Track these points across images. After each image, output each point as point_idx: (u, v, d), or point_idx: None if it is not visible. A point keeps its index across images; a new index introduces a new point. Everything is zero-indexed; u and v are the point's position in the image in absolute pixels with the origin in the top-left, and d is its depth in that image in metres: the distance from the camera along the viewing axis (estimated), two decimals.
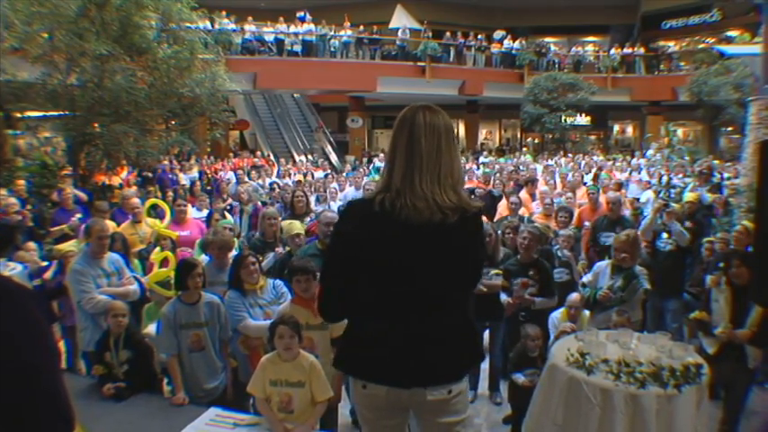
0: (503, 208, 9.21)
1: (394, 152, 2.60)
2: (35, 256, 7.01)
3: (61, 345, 6.73)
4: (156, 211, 8.09)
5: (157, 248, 6.87)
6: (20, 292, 1.42)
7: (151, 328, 5.56)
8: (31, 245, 7.30)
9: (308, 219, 7.86)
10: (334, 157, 25.24)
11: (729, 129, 24.18)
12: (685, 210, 8.20)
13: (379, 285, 2.61)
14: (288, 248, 6.50)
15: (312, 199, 10.96)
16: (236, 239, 7.39)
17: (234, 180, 15.17)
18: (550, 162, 19.45)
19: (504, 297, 6.09)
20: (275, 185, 12.01)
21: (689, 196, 8.54)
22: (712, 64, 22.80)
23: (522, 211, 9.12)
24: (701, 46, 27.89)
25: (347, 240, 2.63)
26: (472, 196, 10.62)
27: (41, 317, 1.42)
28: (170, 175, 15.29)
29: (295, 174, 16.70)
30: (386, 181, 2.58)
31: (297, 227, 6.44)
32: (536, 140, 30.69)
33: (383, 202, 2.50)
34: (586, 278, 5.81)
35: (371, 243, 2.55)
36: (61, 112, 12.14)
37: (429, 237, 2.52)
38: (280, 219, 7.30)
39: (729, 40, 24.98)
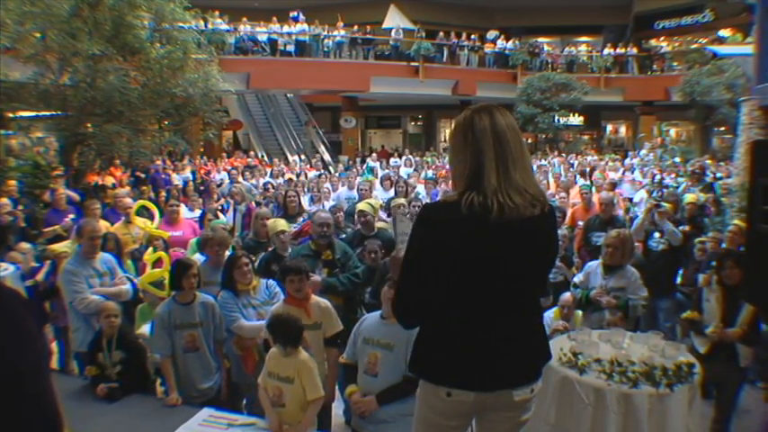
0: None
1: (478, 153, 2.49)
2: (30, 257, 6.99)
3: (54, 345, 6.72)
4: (148, 212, 8.07)
5: (150, 249, 6.86)
6: (7, 295, 1.41)
7: (145, 329, 5.55)
8: (26, 245, 7.28)
9: (301, 219, 7.86)
10: (327, 157, 25.22)
11: (722, 129, 24.25)
12: (685, 212, 8.21)
13: (467, 288, 2.54)
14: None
15: (305, 199, 10.95)
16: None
17: (227, 180, 15.15)
18: (543, 162, 19.46)
19: None
20: (269, 185, 11.97)
21: (688, 197, 8.54)
22: (705, 64, 22.87)
23: None
24: (694, 46, 28.00)
25: (429, 245, 2.52)
26: None
27: (30, 320, 1.42)
28: (163, 176, 15.25)
29: (287, 173, 16.66)
30: (470, 180, 2.48)
31: (281, 224, 6.43)
32: (529, 140, 30.71)
33: (472, 203, 2.41)
34: (578, 278, 5.80)
35: (462, 245, 2.47)
36: (53, 112, 12.13)
37: (523, 232, 2.47)
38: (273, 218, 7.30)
39: (722, 41, 25.08)
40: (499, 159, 2.46)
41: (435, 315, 2.63)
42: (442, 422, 2.68)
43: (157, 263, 6.31)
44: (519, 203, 2.41)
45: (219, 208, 10.04)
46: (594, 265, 5.66)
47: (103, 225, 6.97)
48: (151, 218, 7.93)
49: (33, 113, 12.45)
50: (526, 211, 2.43)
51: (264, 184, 12.38)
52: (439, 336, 2.64)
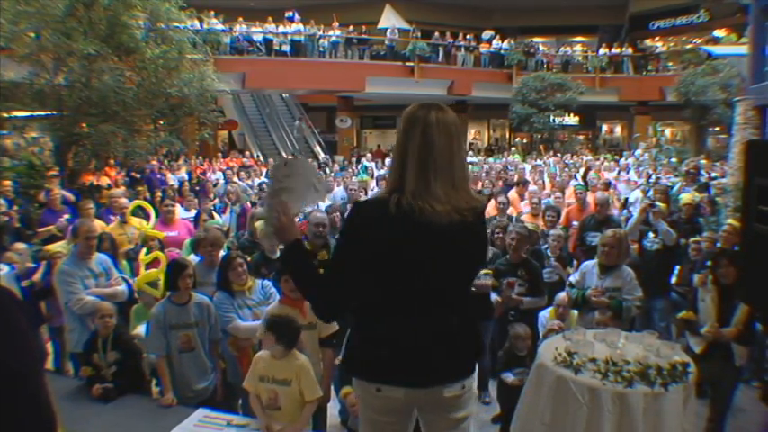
0: (491, 207, 9.22)
1: (405, 152, 2.54)
2: (26, 257, 6.97)
3: (49, 346, 6.71)
4: (144, 212, 8.06)
5: (144, 250, 6.84)
6: (1, 296, 1.41)
7: (141, 330, 5.54)
8: (21, 246, 7.26)
9: (297, 219, 7.84)
10: (322, 157, 25.19)
11: (717, 129, 24.30)
12: (682, 214, 8.21)
13: (394, 285, 2.58)
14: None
15: None
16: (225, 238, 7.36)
17: (222, 180, 15.12)
18: (539, 162, 19.48)
19: (493, 296, 6.09)
20: (264, 185, 11.95)
21: (684, 198, 8.54)
22: (700, 64, 22.92)
23: (510, 210, 9.13)
24: (689, 46, 28.05)
25: (357, 241, 2.57)
26: None
27: (25, 321, 1.42)
28: (158, 176, 15.23)
29: None
30: (397, 182, 2.53)
31: None
32: (524, 140, 30.74)
33: (400, 203, 2.45)
34: (573, 278, 5.81)
35: (387, 243, 2.50)
36: (48, 112, 12.09)
37: (447, 237, 2.50)
38: None
39: (716, 41, 25.11)
40: (420, 168, 2.49)
41: (363, 312, 2.69)
42: (378, 418, 2.73)
43: (154, 263, 6.31)
44: (440, 210, 2.45)
45: (213, 208, 10.03)
46: (590, 264, 5.66)
47: (98, 225, 6.96)
48: (147, 218, 7.92)
49: (28, 113, 12.40)
50: (449, 217, 2.46)
51: (260, 185, 12.35)
52: (367, 333, 2.69)
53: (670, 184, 11.33)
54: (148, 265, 6.36)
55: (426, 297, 2.58)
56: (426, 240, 2.50)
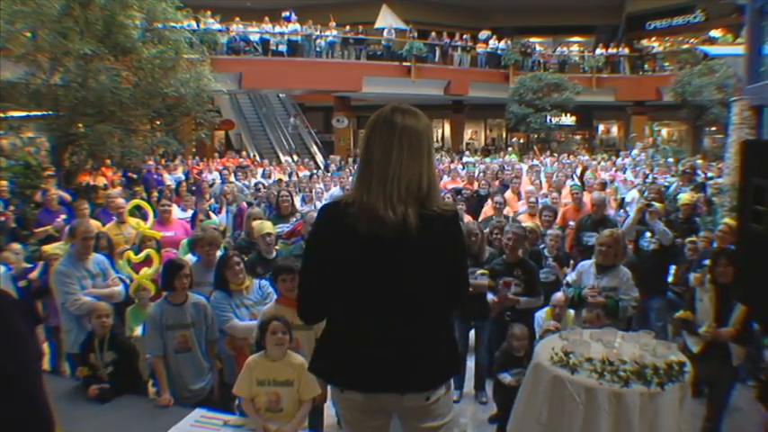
0: (487, 207, 9.23)
1: (363, 155, 2.55)
2: (20, 257, 6.96)
3: (45, 346, 6.70)
4: (140, 212, 8.05)
5: (130, 252, 6.80)
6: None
7: (139, 331, 5.54)
8: (16, 246, 7.25)
9: (294, 219, 7.85)
10: (319, 157, 25.19)
11: (713, 128, 24.33)
12: (680, 213, 8.21)
13: (348, 290, 2.59)
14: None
15: (298, 199, 10.94)
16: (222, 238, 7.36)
17: (219, 180, 15.11)
18: (535, 162, 19.49)
19: (490, 296, 6.11)
20: (260, 186, 11.95)
21: (683, 198, 8.55)
22: (696, 64, 22.93)
23: (506, 210, 9.14)
24: (685, 46, 28.07)
25: (320, 243, 2.62)
26: (458, 196, 10.70)
27: (21, 321, 1.41)
28: (155, 176, 15.21)
29: (276, 174, 16.60)
30: (355, 185, 2.55)
31: (267, 227, 6.43)
32: (521, 140, 30.76)
33: (347, 210, 2.46)
34: (570, 278, 5.82)
35: (339, 248, 2.52)
36: (45, 112, 12.07)
37: (389, 245, 2.46)
38: (265, 218, 7.29)
39: (713, 41, 25.18)
40: (363, 172, 2.48)
41: (331, 312, 2.69)
42: (348, 416, 2.78)
43: (146, 262, 6.29)
44: (386, 218, 2.40)
45: (209, 208, 10.02)
46: (587, 264, 5.67)
47: (95, 225, 6.95)
48: (144, 218, 7.91)
49: (24, 113, 12.38)
50: (398, 225, 2.41)
51: (256, 185, 12.34)
52: (329, 335, 2.70)
53: (666, 184, 11.35)
54: (141, 264, 6.33)
55: (384, 304, 2.55)
56: (367, 247, 2.48)
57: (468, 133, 34.40)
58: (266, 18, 24.20)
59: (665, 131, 30.88)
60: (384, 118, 2.52)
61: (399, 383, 2.58)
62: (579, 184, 11.86)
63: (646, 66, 29.09)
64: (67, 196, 9.93)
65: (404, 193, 2.44)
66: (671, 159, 16.34)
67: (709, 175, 13.09)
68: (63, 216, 8.60)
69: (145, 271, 6.14)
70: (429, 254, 2.54)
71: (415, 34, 25.86)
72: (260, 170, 17.41)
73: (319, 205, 10.29)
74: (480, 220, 8.95)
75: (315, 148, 26.57)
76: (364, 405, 2.65)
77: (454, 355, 2.83)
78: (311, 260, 2.67)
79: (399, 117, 2.51)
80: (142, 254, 6.42)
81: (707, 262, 5.53)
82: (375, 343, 2.55)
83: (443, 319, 2.76)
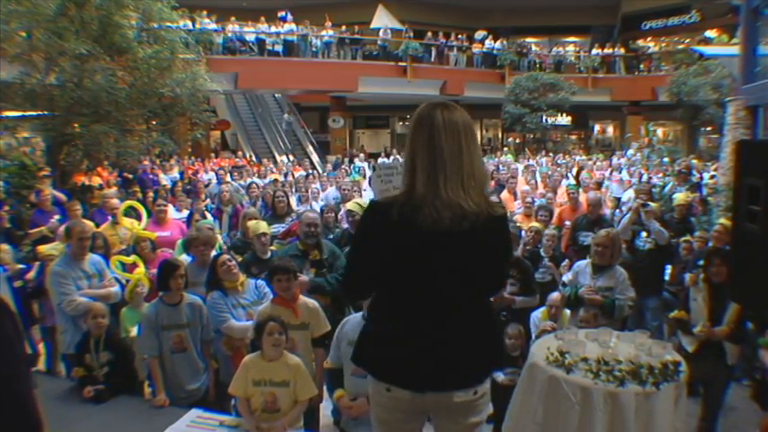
0: None
1: (413, 155, 2.50)
2: (9, 257, 6.92)
3: (41, 347, 6.69)
4: (135, 212, 8.04)
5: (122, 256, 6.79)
6: None
7: (135, 331, 5.53)
8: (5, 246, 7.20)
9: (289, 219, 7.85)
10: (315, 157, 25.19)
11: (708, 128, 24.42)
12: (675, 213, 8.21)
13: (401, 289, 2.58)
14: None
15: (294, 199, 10.93)
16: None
17: (215, 180, 15.09)
18: (531, 162, 19.51)
19: None
20: (253, 185, 11.88)
21: (678, 198, 8.55)
22: (691, 64, 23.00)
23: None
24: (681, 47, 28.16)
25: (370, 237, 2.60)
26: None
27: (8, 324, 1.41)
28: (150, 176, 15.19)
29: (272, 174, 16.57)
30: (408, 186, 2.50)
31: (262, 227, 6.42)
32: (517, 140, 30.80)
33: (403, 210, 2.43)
34: (566, 277, 5.82)
35: (392, 249, 2.51)
36: (40, 112, 12.02)
37: (452, 244, 2.46)
38: (260, 218, 7.29)
39: (708, 41, 25.21)
40: (431, 167, 2.45)
41: (377, 309, 2.71)
42: (387, 417, 2.73)
43: (136, 264, 6.29)
44: (445, 216, 2.40)
45: (205, 208, 10.00)
46: (583, 264, 5.68)
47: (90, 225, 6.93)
48: (138, 218, 7.90)
49: (19, 113, 12.34)
50: (453, 225, 2.42)
51: (248, 185, 12.29)
52: (379, 330, 2.69)
53: (662, 184, 11.36)
54: (133, 266, 6.32)
55: (436, 301, 2.56)
56: (428, 247, 2.47)
57: None
58: (262, 18, 24.21)
59: (660, 131, 30.96)
60: (442, 114, 2.50)
61: (454, 380, 2.60)
62: (575, 183, 11.87)
63: (641, 66, 29.14)
64: (62, 196, 9.90)
65: (471, 188, 2.47)
66: (666, 159, 16.35)
67: (704, 174, 13.12)
68: (57, 216, 8.57)
69: (139, 270, 6.13)
70: (487, 248, 2.57)
71: (411, 34, 25.89)
72: (256, 170, 17.38)
73: (315, 205, 10.28)
74: None
75: (311, 148, 26.55)
76: (411, 405, 2.64)
77: (500, 347, 2.86)
78: (363, 248, 2.67)
79: (457, 113, 2.53)
80: (131, 257, 6.42)
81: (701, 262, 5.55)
82: (422, 341, 2.56)
83: (488, 312, 2.80)
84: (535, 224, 7.51)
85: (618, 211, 10.48)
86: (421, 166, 2.46)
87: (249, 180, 13.90)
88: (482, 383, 2.69)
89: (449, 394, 2.60)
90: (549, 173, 13.38)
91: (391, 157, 20.83)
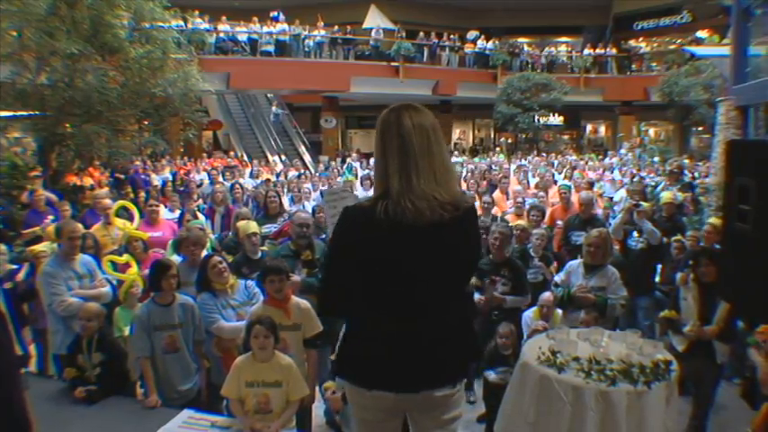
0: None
1: (385, 156, 2.56)
2: (3, 259, 6.89)
3: (32, 348, 6.65)
4: (128, 213, 8.01)
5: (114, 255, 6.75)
6: None
7: (128, 331, 5.51)
8: (1, 247, 7.18)
9: (281, 219, 7.84)
10: (307, 157, 25.15)
11: (700, 128, 24.49)
12: (662, 213, 8.23)
13: (382, 289, 2.59)
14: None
15: (286, 199, 10.91)
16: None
17: (207, 180, 15.04)
18: (523, 162, 19.54)
19: (477, 296, 6.12)
20: (237, 186, 11.69)
21: (665, 196, 8.57)
22: (683, 65, 23.10)
23: (494, 210, 9.16)
24: (672, 47, 28.27)
25: (347, 247, 2.61)
26: None
27: (0, 327, 1.40)
28: (142, 176, 15.14)
29: (263, 174, 16.52)
30: (383, 186, 2.55)
31: (252, 227, 6.42)
32: (509, 140, 30.85)
33: (386, 209, 2.46)
34: (558, 277, 5.83)
35: (375, 249, 2.53)
36: (31, 112, 11.98)
37: (431, 236, 2.50)
38: (252, 218, 7.28)
39: (699, 42, 25.29)
40: (402, 166, 2.50)
41: (355, 314, 2.70)
42: (368, 417, 2.75)
43: (129, 264, 6.26)
44: (422, 207, 2.45)
45: (197, 208, 9.96)
46: (575, 264, 5.70)
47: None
48: (131, 219, 7.87)
49: (10, 113, 12.28)
50: (433, 215, 2.46)
51: (231, 186, 12.13)
52: (357, 335, 2.71)
53: (654, 184, 11.39)
54: (125, 266, 6.29)
55: (418, 299, 2.58)
56: (411, 242, 2.50)
57: (456, 133, 34.50)
58: (254, 18, 24.14)
59: (652, 131, 31.06)
60: (410, 116, 2.57)
61: (432, 379, 2.62)
62: (568, 183, 11.89)
63: (633, 66, 29.28)
64: (54, 197, 9.86)
65: (440, 181, 2.53)
66: (657, 159, 16.41)
67: (697, 174, 13.17)
68: (50, 217, 8.54)
69: (132, 270, 6.11)
70: (460, 242, 2.61)
71: (404, 34, 25.87)
72: (247, 170, 17.36)
73: (308, 205, 10.27)
74: None
75: (303, 148, 26.51)
76: (394, 405, 2.66)
77: (476, 340, 2.89)
78: (338, 261, 2.69)
79: (424, 115, 2.60)
80: (124, 257, 6.39)
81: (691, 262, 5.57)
82: (405, 339, 2.58)
83: (466, 306, 2.88)
84: (521, 222, 7.51)
85: (608, 210, 10.49)
86: (393, 167, 2.52)
87: (233, 181, 13.76)
88: (462, 378, 2.76)
89: (430, 392, 2.63)
90: (545, 172, 13.43)
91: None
